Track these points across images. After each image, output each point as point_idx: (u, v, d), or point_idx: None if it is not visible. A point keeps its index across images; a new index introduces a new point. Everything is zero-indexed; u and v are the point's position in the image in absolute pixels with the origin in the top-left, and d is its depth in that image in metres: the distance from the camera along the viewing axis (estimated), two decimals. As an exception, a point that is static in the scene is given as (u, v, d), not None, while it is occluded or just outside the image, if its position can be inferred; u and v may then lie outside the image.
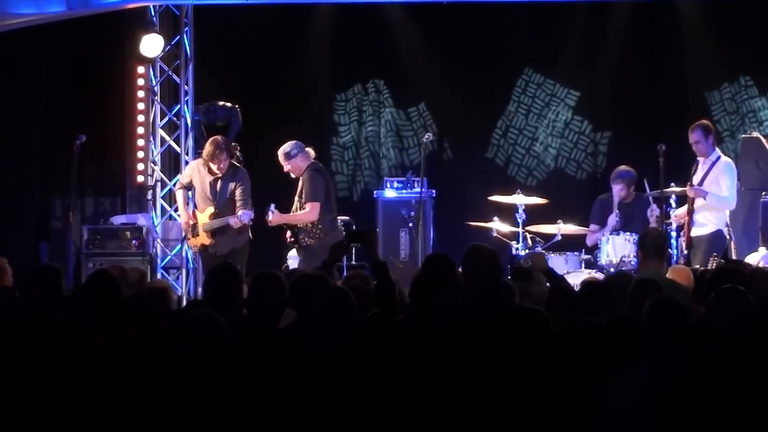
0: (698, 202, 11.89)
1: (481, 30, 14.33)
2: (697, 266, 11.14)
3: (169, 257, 13.86)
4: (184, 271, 13.67)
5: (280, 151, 11.95)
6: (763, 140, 12.97)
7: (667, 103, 14.20)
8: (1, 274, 8.80)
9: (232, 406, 5.70)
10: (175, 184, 13.80)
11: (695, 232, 11.90)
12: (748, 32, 13.97)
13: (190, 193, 12.28)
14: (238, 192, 11.81)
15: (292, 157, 11.89)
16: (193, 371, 5.78)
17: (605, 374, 5.82)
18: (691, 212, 11.92)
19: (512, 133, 14.60)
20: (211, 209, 11.85)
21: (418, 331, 6.31)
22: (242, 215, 11.65)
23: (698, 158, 12.07)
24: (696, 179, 11.97)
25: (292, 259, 12.83)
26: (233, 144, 13.46)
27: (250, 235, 12.05)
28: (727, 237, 12.11)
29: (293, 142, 12.02)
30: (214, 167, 11.82)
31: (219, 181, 11.85)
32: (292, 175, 11.98)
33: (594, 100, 14.53)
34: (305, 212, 11.77)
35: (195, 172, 12.01)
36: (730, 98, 14.27)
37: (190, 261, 13.63)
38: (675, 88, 14.23)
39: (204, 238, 11.93)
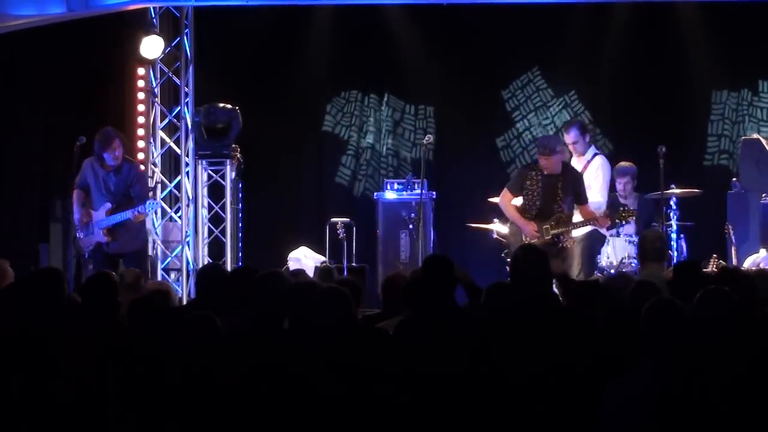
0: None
1: (482, 31, 14.32)
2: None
3: (169, 259, 13.85)
4: (184, 273, 13.66)
5: (548, 143, 11.44)
6: (764, 142, 12.97)
7: (668, 105, 14.20)
8: (2, 276, 8.79)
9: (231, 406, 5.70)
10: (175, 186, 13.82)
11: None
12: (750, 34, 13.95)
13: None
14: (136, 186, 11.44)
15: (557, 153, 11.32)
16: (191, 372, 5.79)
17: (604, 375, 5.82)
18: None
19: (513, 134, 14.60)
20: (108, 205, 11.37)
21: (423, 331, 6.34)
22: (141, 207, 11.18)
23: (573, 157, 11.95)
24: None
25: (293, 260, 12.84)
26: (233, 146, 13.47)
27: (149, 238, 11.86)
28: (607, 236, 11.93)
29: (556, 137, 11.58)
30: (108, 157, 11.35)
31: (113, 175, 11.41)
32: (545, 171, 11.28)
33: (594, 102, 14.52)
34: (592, 212, 11.33)
35: (88, 170, 11.48)
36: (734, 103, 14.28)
37: (191, 262, 13.63)
38: (675, 89, 14.22)
39: (99, 236, 11.38)
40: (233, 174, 13.64)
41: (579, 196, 11.35)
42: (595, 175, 11.84)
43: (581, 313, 6.83)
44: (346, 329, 6.25)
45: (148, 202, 11.28)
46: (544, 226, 11.23)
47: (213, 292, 7.24)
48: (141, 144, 13.84)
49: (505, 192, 11.59)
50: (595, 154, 12.00)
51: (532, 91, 14.60)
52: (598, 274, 11.45)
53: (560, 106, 14.55)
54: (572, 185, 11.30)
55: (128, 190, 11.42)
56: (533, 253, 7.11)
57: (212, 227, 13.81)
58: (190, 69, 13.88)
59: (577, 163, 11.92)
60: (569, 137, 11.93)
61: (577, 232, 11.62)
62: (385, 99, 14.71)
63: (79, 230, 11.52)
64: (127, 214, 11.26)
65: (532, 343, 6.12)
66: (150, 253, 13.44)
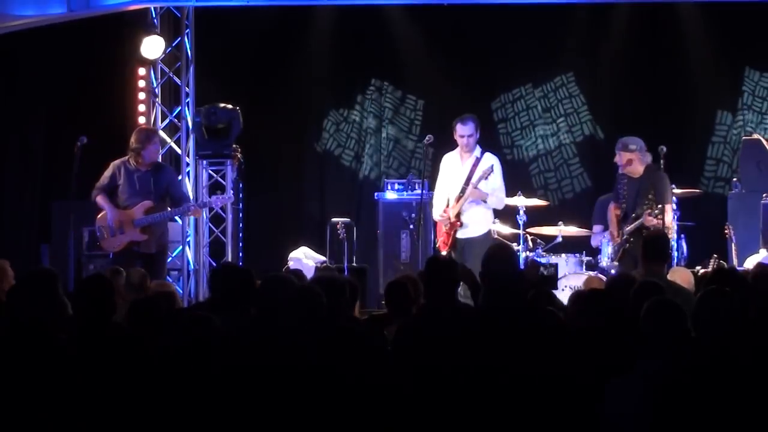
0: (468, 203, 11.56)
1: (483, 31, 14.33)
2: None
3: (170, 259, 13.83)
4: (185, 273, 13.66)
5: (623, 140, 11.31)
6: (764, 142, 12.97)
7: (669, 105, 14.20)
8: (2, 276, 8.79)
9: (231, 406, 5.70)
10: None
11: (465, 233, 11.57)
12: (750, 34, 13.95)
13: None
14: (174, 185, 11.46)
15: (629, 150, 11.16)
16: (190, 372, 5.79)
17: (604, 375, 5.83)
18: (459, 213, 11.53)
19: (514, 134, 14.61)
20: (147, 203, 11.21)
21: (426, 330, 6.34)
22: (213, 200, 12.01)
23: (460, 154, 11.72)
24: (461, 177, 11.60)
25: (293, 260, 12.84)
26: (234, 146, 13.48)
27: None
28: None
29: (635, 138, 11.43)
30: (148, 155, 11.21)
31: (151, 174, 11.29)
32: (630, 172, 11.24)
33: (595, 102, 14.53)
34: (669, 215, 11.15)
35: (119, 171, 11.28)
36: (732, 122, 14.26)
37: (191, 263, 13.64)
38: (676, 89, 14.23)
39: (134, 235, 11.19)
40: (234, 174, 13.65)
41: (656, 198, 11.20)
42: (493, 173, 11.57)
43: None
44: (316, 329, 6.24)
45: (229, 195, 12.21)
46: (625, 228, 11.26)
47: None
48: (142, 144, 13.83)
49: (612, 202, 11.66)
50: (484, 152, 11.78)
51: (532, 91, 14.62)
52: (599, 275, 11.44)
53: (560, 106, 14.55)
54: (650, 188, 11.20)
55: (167, 190, 11.32)
56: (499, 251, 7.12)
57: (213, 227, 13.82)
58: (191, 69, 13.89)
59: (462, 159, 11.69)
60: (466, 129, 11.59)
61: (473, 234, 11.51)
62: (386, 98, 14.73)
63: (106, 231, 11.25)
64: (184, 210, 11.53)
65: (514, 342, 6.13)
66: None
